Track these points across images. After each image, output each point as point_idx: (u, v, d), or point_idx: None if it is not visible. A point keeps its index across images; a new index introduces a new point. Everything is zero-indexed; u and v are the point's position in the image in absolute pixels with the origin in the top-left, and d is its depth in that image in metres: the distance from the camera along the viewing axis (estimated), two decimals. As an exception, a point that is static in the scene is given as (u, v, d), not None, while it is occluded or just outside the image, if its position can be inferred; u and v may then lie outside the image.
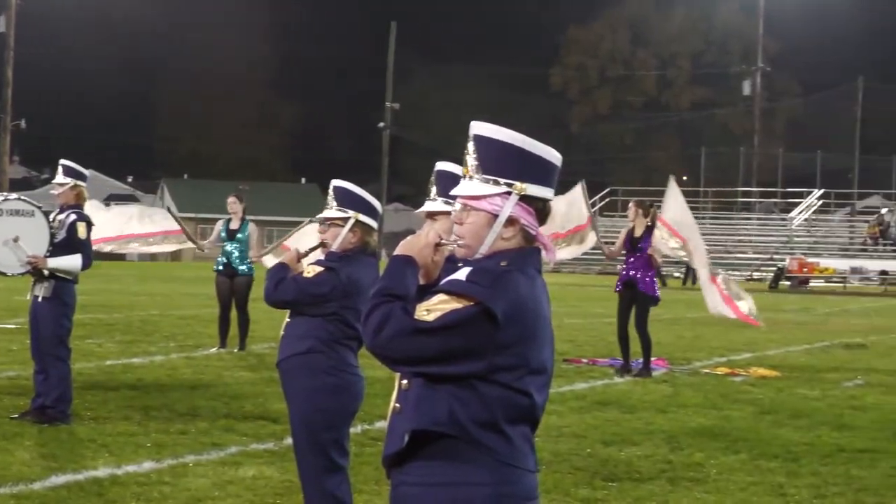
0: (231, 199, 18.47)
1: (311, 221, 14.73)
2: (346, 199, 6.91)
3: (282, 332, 7.08)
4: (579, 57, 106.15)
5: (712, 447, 11.19)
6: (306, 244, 7.29)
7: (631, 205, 17.46)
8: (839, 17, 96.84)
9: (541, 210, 4.02)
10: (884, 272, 55.34)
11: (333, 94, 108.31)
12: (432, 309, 3.84)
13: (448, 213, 5.34)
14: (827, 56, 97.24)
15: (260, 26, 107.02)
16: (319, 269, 6.90)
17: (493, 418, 3.84)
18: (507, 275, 3.86)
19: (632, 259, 16.93)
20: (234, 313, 18.25)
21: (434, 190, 5.67)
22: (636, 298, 16.80)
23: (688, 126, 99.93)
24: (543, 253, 4.06)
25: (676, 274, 55.94)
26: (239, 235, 18.16)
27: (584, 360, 18.32)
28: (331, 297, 6.78)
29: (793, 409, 13.89)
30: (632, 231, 16.99)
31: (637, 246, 16.87)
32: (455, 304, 3.81)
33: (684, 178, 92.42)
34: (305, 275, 6.94)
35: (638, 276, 16.78)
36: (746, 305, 17.31)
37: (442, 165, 5.77)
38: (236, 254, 18.16)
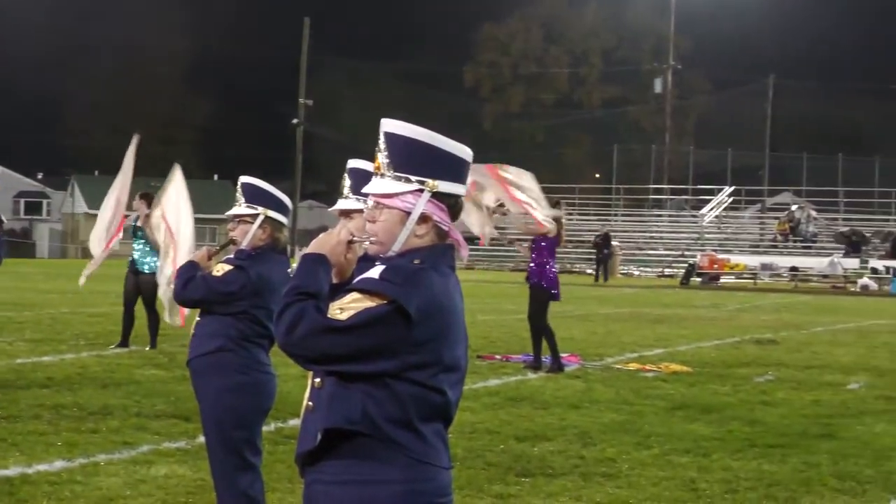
0: (136, 201, 18.37)
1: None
2: (254, 195, 6.86)
3: (192, 331, 7.02)
4: (492, 54, 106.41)
5: (624, 442, 11.27)
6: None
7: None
8: (750, 16, 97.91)
9: (453, 206, 4.02)
10: (794, 268, 56.00)
11: (247, 91, 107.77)
12: (345, 307, 3.83)
13: (360, 210, 5.33)
14: (737, 54, 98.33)
15: (174, 21, 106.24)
16: (228, 267, 6.84)
17: (406, 416, 3.83)
18: (421, 272, 3.86)
19: (534, 253, 17.11)
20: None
21: (347, 188, 5.65)
22: (534, 293, 17.03)
23: (600, 123, 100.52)
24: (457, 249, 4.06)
25: (589, 271, 56.27)
26: (140, 234, 18.11)
27: (498, 357, 18.38)
28: (240, 295, 6.73)
29: (704, 404, 14.01)
30: None
31: (533, 242, 17.13)
32: (368, 303, 3.80)
33: (597, 175, 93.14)
34: (215, 273, 6.88)
35: (534, 269, 17.07)
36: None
37: (354, 163, 5.76)
38: (139, 253, 18.15)
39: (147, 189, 19.41)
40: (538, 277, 16.95)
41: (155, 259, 18.11)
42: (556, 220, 17.04)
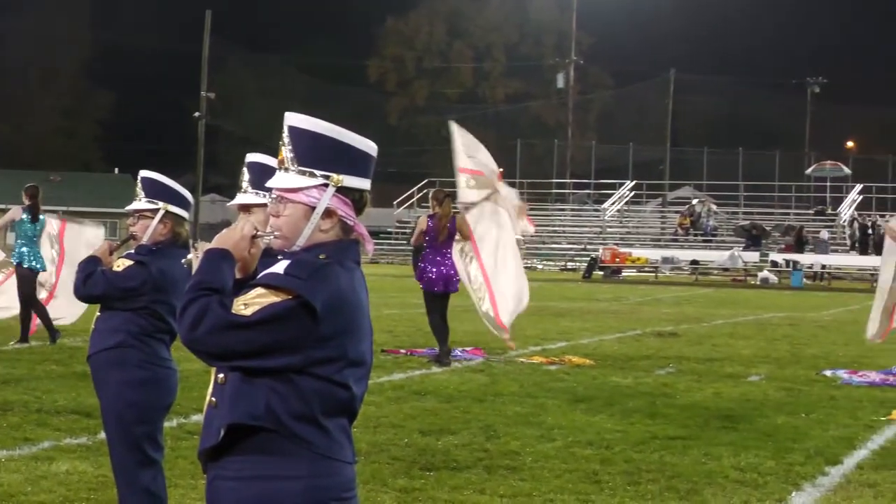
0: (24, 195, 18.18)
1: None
2: (154, 190, 6.80)
3: (92, 327, 6.95)
4: (397, 48, 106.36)
5: (528, 435, 11.32)
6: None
7: (430, 196, 17.58)
8: (650, 11, 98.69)
9: (358, 201, 4.02)
10: (694, 262, 56.55)
11: (149, 84, 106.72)
12: (250, 303, 3.81)
13: (261, 204, 5.30)
14: (638, 49, 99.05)
15: (74, 12, 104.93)
16: (129, 262, 6.78)
17: (310, 411, 3.83)
18: (326, 267, 3.85)
19: (433, 248, 16.98)
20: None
21: (246, 182, 5.62)
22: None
23: (503, 118, 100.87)
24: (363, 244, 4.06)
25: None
26: (24, 228, 17.93)
27: (403, 351, 18.37)
28: (141, 290, 6.67)
29: (606, 396, 14.12)
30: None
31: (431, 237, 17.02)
32: (273, 298, 3.79)
33: (501, 169, 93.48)
34: (115, 268, 6.81)
35: (439, 265, 16.96)
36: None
37: (253, 157, 5.73)
38: (25, 249, 17.96)
39: (47, 181, 19.19)
40: (450, 269, 16.86)
41: (37, 254, 17.97)
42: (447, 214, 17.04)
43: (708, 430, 11.93)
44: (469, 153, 15.06)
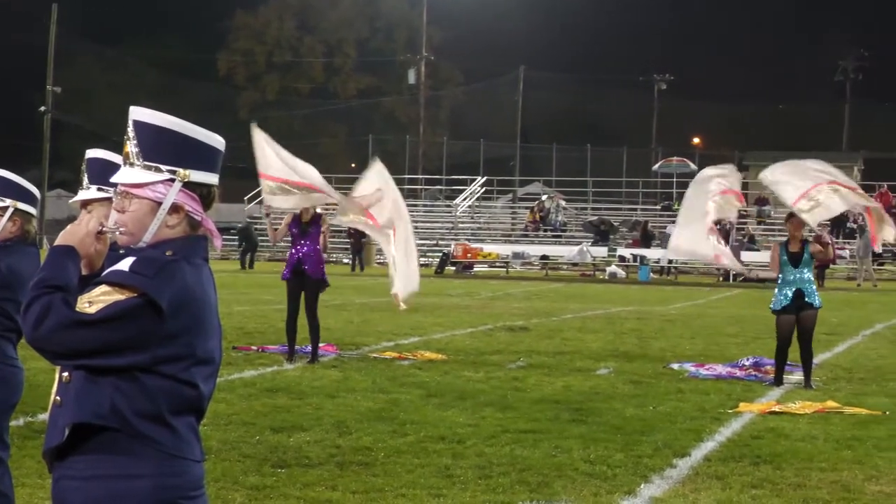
0: None
1: None
2: (3, 187, 6.66)
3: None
4: (246, 42, 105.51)
5: (380, 431, 11.32)
6: None
7: None
8: (501, 7, 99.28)
9: (206, 196, 3.98)
10: (544, 257, 57.06)
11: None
12: (94, 300, 3.75)
13: (102, 199, 5.23)
14: (489, 45, 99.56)
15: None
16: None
17: (157, 410, 3.78)
18: (173, 264, 3.80)
19: (300, 244, 16.86)
20: None
21: (86, 178, 5.53)
22: (306, 284, 16.78)
23: (355, 114, 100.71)
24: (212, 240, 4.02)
25: (346, 260, 56.38)
26: None
27: (254, 348, 18.25)
28: (-11, 288, 6.53)
29: (458, 391, 14.18)
30: (300, 216, 16.90)
31: (307, 231, 16.84)
32: (118, 296, 3.74)
33: (353, 165, 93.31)
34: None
35: (307, 259, 16.77)
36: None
37: (93, 153, 5.65)
38: None
39: None
40: (312, 269, 16.73)
41: None
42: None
43: (558, 424, 12.05)
44: (269, 161, 14.76)
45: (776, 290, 15.62)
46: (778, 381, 15.49)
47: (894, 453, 10.86)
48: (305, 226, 16.81)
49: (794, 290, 15.28)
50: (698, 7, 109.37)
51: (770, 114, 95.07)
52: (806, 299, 15.29)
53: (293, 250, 16.94)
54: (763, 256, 54.52)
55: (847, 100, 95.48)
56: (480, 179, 70.64)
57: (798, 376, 15.83)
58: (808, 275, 15.38)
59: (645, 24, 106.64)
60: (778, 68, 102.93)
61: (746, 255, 52.84)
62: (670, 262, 54.49)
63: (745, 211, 63.45)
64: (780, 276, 15.44)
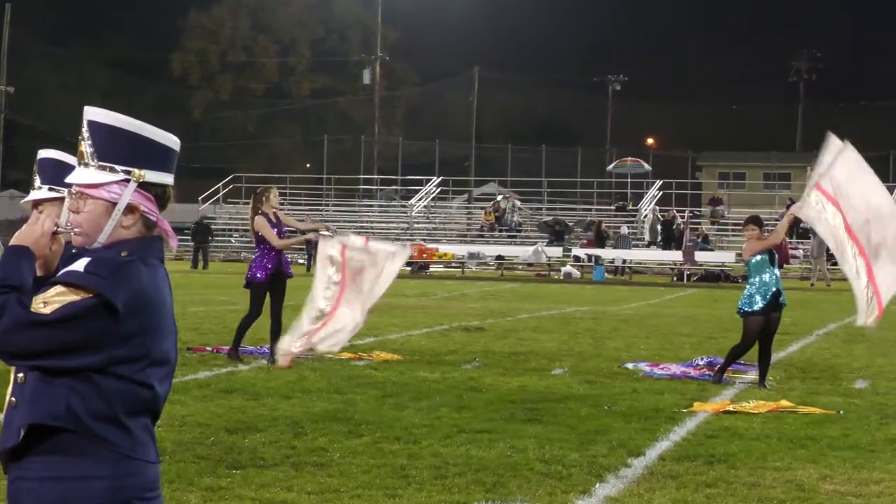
0: None
1: None
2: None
3: None
4: (200, 42, 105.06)
5: (336, 431, 11.31)
6: None
7: (275, 191, 17.23)
8: (455, 8, 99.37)
9: (161, 196, 3.97)
10: (500, 257, 57.14)
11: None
12: (49, 301, 3.73)
13: (53, 199, 5.21)
14: (444, 46, 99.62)
15: None
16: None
17: (112, 411, 3.77)
18: (128, 265, 3.79)
19: (274, 249, 16.65)
20: None
21: (38, 178, 5.50)
22: (279, 285, 16.59)
23: (310, 114, 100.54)
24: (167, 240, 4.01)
25: (301, 261, 56.26)
26: None
27: (209, 349, 18.17)
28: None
29: (414, 391, 14.18)
30: (279, 218, 16.76)
31: (283, 234, 16.71)
32: (73, 296, 3.72)
33: (307, 165, 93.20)
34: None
35: (284, 263, 16.71)
36: None
37: (44, 153, 5.63)
38: None
39: None
40: (285, 266, 16.64)
41: None
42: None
43: (513, 423, 12.06)
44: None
45: (749, 289, 15.38)
46: (719, 378, 15.50)
47: (848, 452, 10.93)
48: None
49: (773, 290, 15.18)
50: (652, 8, 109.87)
51: (724, 114, 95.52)
52: (779, 299, 15.26)
53: (273, 253, 16.67)
54: (717, 256, 54.91)
55: (801, 100, 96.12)
56: (436, 180, 70.64)
57: (753, 375, 15.91)
58: (778, 274, 15.43)
59: (599, 25, 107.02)
60: (732, 69, 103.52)
61: (700, 256, 53.15)
62: (624, 261, 54.69)
63: (699, 211, 63.87)
64: (759, 276, 15.24)
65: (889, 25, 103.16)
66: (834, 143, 10.76)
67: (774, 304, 15.19)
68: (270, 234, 16.58)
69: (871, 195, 10.84)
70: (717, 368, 15.99)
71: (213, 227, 59.21)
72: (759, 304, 15.13)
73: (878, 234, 10.62)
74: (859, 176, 10.99)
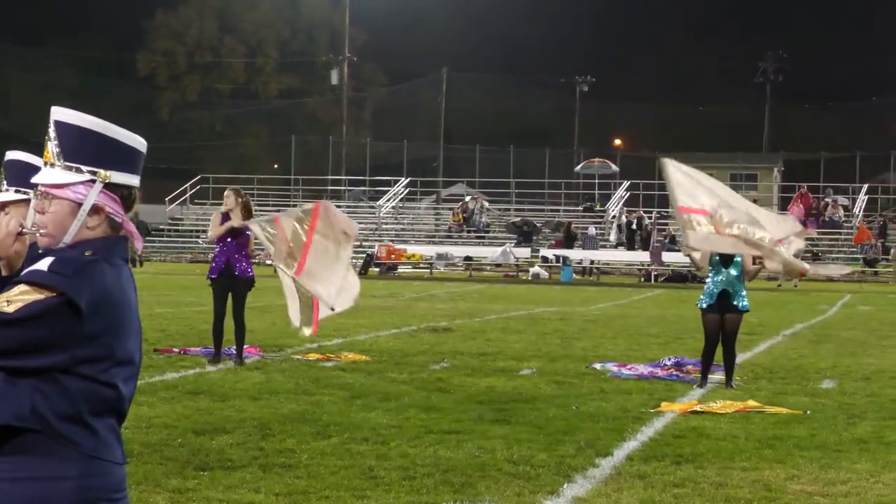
0: None
1: None
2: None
3: None
4: (167, 42, 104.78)
5: (304, 432, 11.29)
6: None
7: (229, 192, 17.16)
8: (423, 8, 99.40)
9: (127, 198, 3.97)
10: (468, 258, 57.15)
11: None
12: (13, 300, 3.72)
13: (20, 202, 5.19)
14: (412, 46, 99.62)
15: None
16: None
17: (77, 411, 3.76)
18: (92, 265, 3.78)
19: (226, 246, 16.62)
20: None
21: (5, 180, 5.49)
22: (234, 285, 16.55)
23: (278, 114, 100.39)
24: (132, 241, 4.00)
25: (269, 262, 56.12)
26: None
27: (176, 350, 18.12)
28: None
29: (382, 392, 14.17)
30: (229, 218, 16.68)
31: (240, 232, 16.58)
32: (36, 295, 3.70)
33: (275, 165, 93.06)
34: None
35: (235, 261, 16.59)
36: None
37: (12, 155, 5.61)
38: None
39: None
40: (239, 269, 16.56)
41: None
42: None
43: (482, 424, 12.07)
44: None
45: (705, 287, 15.70)
46: (703, 382, 15.55)
47: (815, 452, 10.98)
48: (237, 228, 16.52)
49: (720, 289, 15.30)
50: (620, 9, 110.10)
51: (691, 115, 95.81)
52: (732, 301, 15.31)
53: (219, 251, 16.75)
54: (684, 257, 55.04)
55: (767, 101, 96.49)
56: (404, 180, 70.64)
57: (720, 376, 15.95)
58: (735, 275, 15.39)
59: (567, 25, 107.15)
60: (699, 70, 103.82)
61: (668, 256, 53.28)
62: (592, 262, 54.80)
63: (666, 212, 64.02)
64: (710, 274, 15.47)
65: (855, 27, 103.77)
66: (666, 165, 10.90)
67: (725, 305, 15.27)
68: (211, 227, 16.98)
69: (715, 189, 11.16)
70: (700, 373, 15.93)
71: (180, 227, 58.96)
72: (705, 302, 15.35)
73: (734, 216, 10.80)
74: (699, 178, 11.30)
